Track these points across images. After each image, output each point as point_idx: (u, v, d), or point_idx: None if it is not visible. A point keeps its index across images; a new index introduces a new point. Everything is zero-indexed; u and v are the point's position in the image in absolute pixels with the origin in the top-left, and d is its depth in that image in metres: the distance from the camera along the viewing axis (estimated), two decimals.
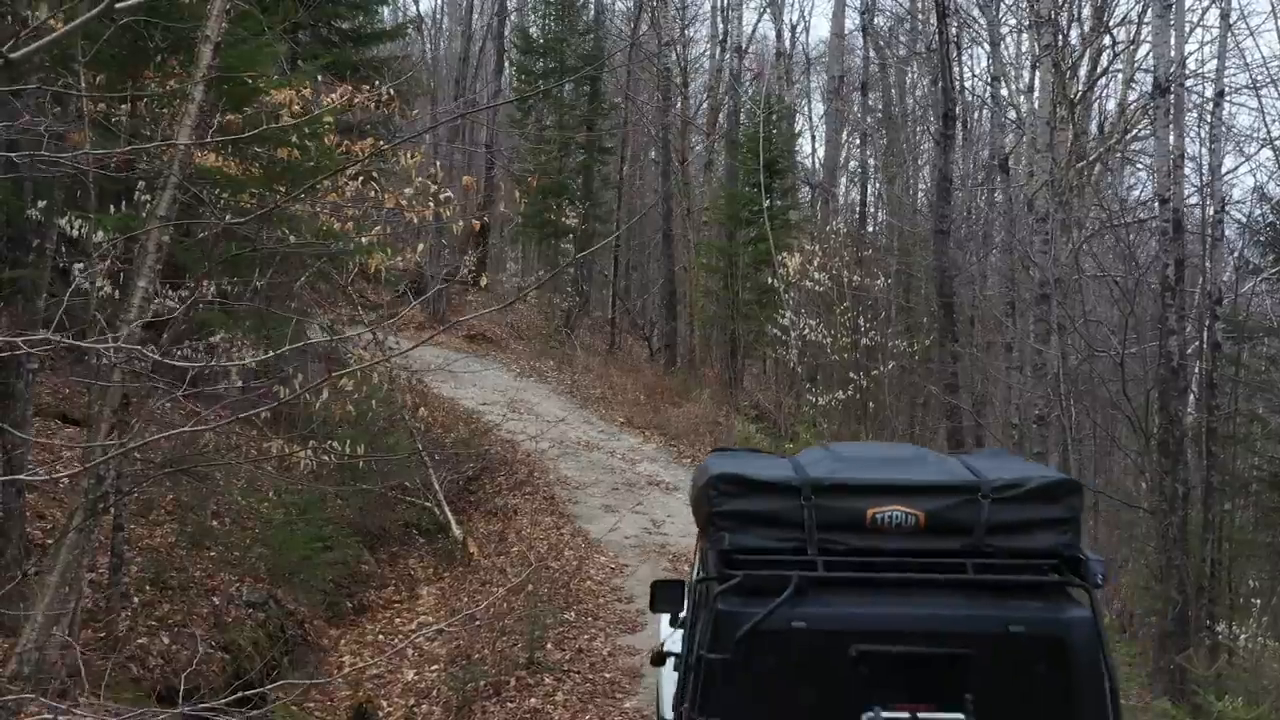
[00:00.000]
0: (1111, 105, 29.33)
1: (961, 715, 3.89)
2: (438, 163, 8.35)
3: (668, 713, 6.08)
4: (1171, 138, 11.71)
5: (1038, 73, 14.72)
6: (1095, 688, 4.03)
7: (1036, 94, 14.98)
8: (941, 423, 27.37)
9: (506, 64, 35.46)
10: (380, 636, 10.68)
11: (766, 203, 24.55)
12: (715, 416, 22.15)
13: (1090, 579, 4.18)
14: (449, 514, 12.95)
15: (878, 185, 30.68)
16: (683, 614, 5.50)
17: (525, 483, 14.84)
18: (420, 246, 9.44)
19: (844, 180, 36.05)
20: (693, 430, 19.39)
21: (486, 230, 35.64)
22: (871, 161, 29.35)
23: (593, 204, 32.31)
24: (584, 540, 12.26)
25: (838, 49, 30.38)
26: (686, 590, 5.59)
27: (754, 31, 40.90)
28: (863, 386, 20.94)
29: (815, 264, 22.39)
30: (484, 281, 18.69)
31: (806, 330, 22.24)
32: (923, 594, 4.14)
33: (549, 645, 8.86)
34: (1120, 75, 24.79)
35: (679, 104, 31.27)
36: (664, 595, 5.87)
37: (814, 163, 34.99)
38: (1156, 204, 12.07)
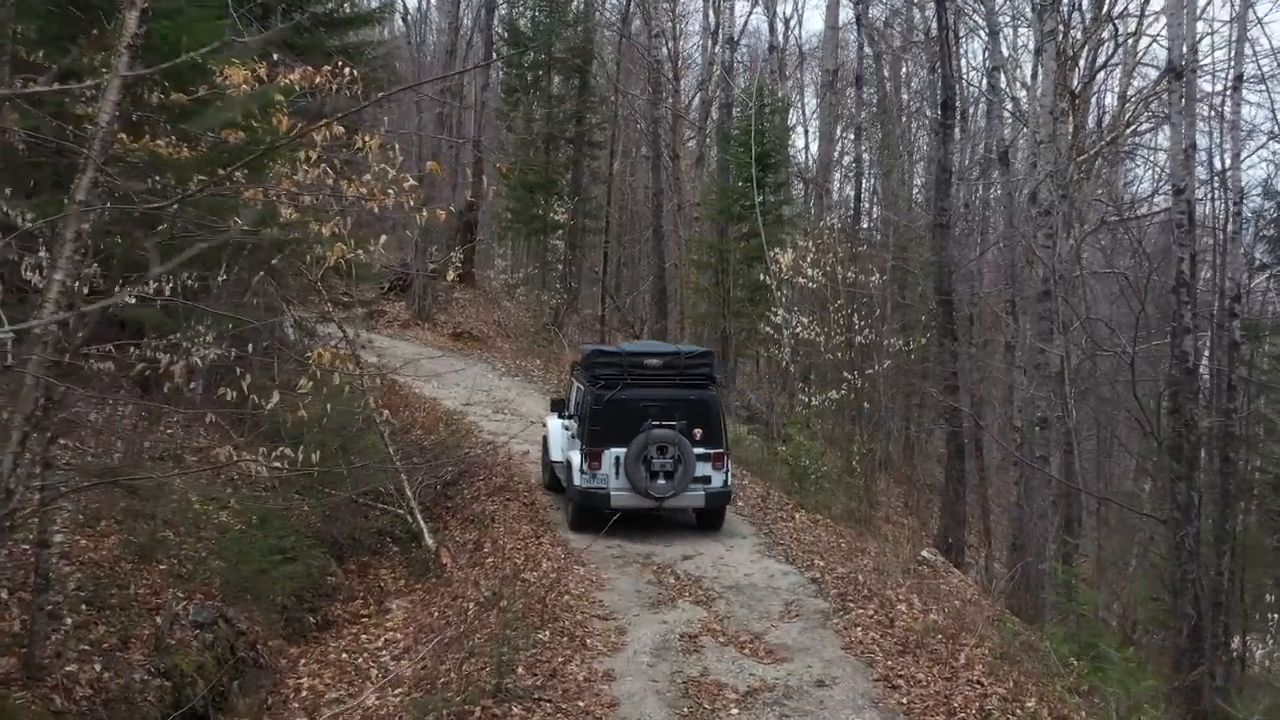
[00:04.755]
0: (1110, 100, 28.77)
1: (676, 422, 11.65)
2: (396, 145, 7.60)
3: (555, 456, 13.38)
4: (1183, 125, 11.06)
5: (1041, 59, 14.08)
6: (717, 417, 12.09)
7: (1040, 80, 14.33)
8: (938, 423, 26.76)
9: (494, 56, 34.73)
10: (344, 655, 9.99)
11: (759, 198, 23.90)
12: None
13: (718, 383, 12.77)
14: (421, 522, 12.27)
15: (872, 180, 30.02)
16: (564, 413, 13.16)
17: (505, 488, 14.16)
18: (383, 238, 8.70)
19: (838, 176, 35.44)
20: None
21: (474, 226, 34.98)
22: (866, 156, 28.67)
23: (582, 199, 31.60)
24: (563, 550, 11.58)
25: (832, 41, 29.74)
26: (567, 401, 13.24)
27: (746, 24, 40.11)
28: (857, 386, 20.26)
29: (809, 260, 21.70)
30: (451, 275, 17.97)
31: (799, 328, 21.59)
32: (664, 387, 11.86)
33: (519, 669, 8.17)
34: (1120, 68, 24.23)
35: (670, 99, 30.59)
36: (556, 407, 13.60)
37: (807, 157, 34.33)
38: (1170, 195, 11.42)
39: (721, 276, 25.09)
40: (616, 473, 11.61)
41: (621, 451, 11.55)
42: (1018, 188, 17.89)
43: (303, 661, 9.72)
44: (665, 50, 30.42)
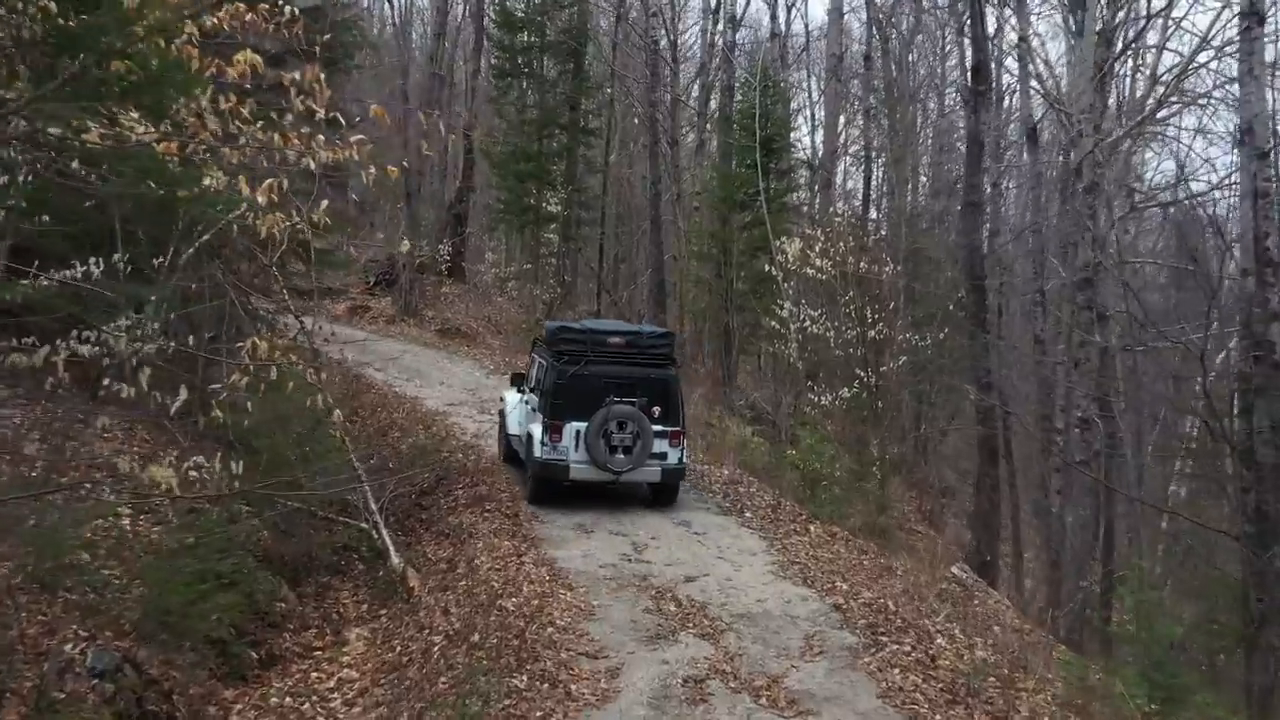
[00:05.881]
0: (1127, 86, 27.26)
1: (637, 400, 11.91)
2: (321, 77, 6.04)
3: (512, 429, 13.70)
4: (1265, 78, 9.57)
5: (1084, 17, 12.58)
6: (676, 395, 12.27)
7: (1081, 43, 12.84)
8: (959, 424, 25.23)
9: (485, 41, 33.23)
10: (288, 699, 8.51)
11: (763, 184, 22.45)
12: (707, 418, 20.01)
13: (675, 363, 12.81)
14: (388, 538, 10.79)
15: (881, 166, 28.49)
16: (523, 386, 13.51)
17: (486, 498, 12.66)
18: (324, 203, 7.17)
19: (845, 165, 34.02)
20: None
21: (464, 218, 33.47)
22: (875, 140, 27.14)
23: (576, 189, 30.11)
24: (549, 571, 10.10)
25: (836, 25, 28.27)
26: (526, 377, 13.58)
27: (747, 7, 38.51)
28: (871, 384, 18.77)
29: (817, 250, 20.22)
30: (405, 247, 16.51)
31: (808, 322, 20.11)
32: (626, 365, 12.12)
33: None
34: (1133, 51, 22.72)
35: (668, 80, 29.08)
36: (516, 381, 13.83)
37: (813, 142, 32.76)
38: (1246, 158, 9.91)
39: (724, 268, 23.64)
40: (576, 446, 11.86)
41: (582, 425, 11.79)
42: (1046, 168, 16.35)
43: (238, 708, 8.24)
44: (663, 31, 28.94)
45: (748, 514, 12.69)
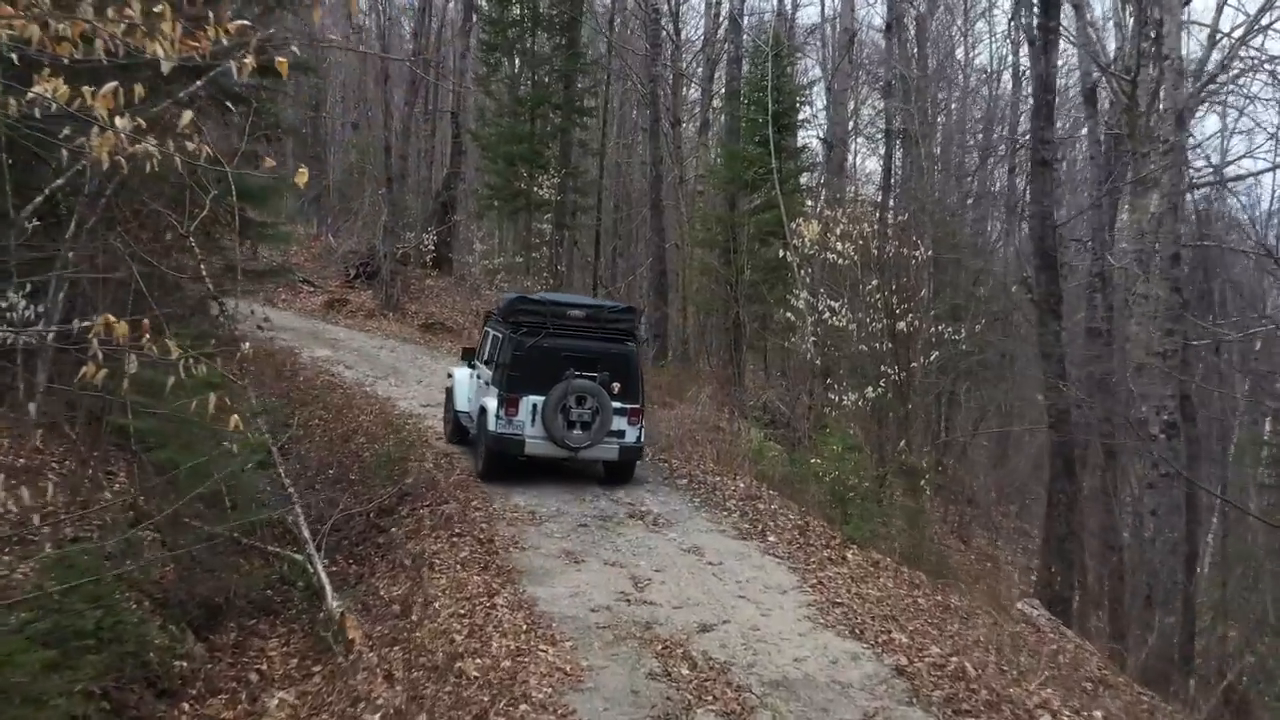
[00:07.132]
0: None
1: (597, 375, 11.56)
2: None
3: (461, 405, 13.60)
4: None
5: None
6: (637, 372, 12.00)
7: None
8: (983, 425, 23.09)
9: (474, 17, 31.06)
10: None
11: (776, 162, 20.29)
12: (715, 420, 17.84)
13: (638, 339, 12.63)
14: (324, 575, 8.61)
15: (900, 146, 26.22)
16: (474, 362, 13.40)
17: (456, 519, 10.52)
18: (187, 115, 4.96)
19: (854, 148, 31.91)
20: (688, 438, 15.06)
21: (451, 206, 31.31)
22: (897, 119, 24.92)
23: (570, 173, 27.92)
24: (526, 616, 7.96)
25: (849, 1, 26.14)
26: (478, 352, 13.41)
27: None
28: (899, 382, 16.60)
29: (838, 232, 18.03)
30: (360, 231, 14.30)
31: (827, 313, 17.94)
32: (586, 339, 11.80)
33: None
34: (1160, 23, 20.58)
35: (669, 52, 26.91)
36: (466, 356, 13.92)
37: (828, 120, 30.56)
38: None
39: (731, 255, 21.45)
40: (533, 420, 11.55)
41: (539, 399, 11.50)
42: (1103, 133, 14.21)
43: None
44: (665, 2, 26.79)
45: (771, 537, 10.55)
